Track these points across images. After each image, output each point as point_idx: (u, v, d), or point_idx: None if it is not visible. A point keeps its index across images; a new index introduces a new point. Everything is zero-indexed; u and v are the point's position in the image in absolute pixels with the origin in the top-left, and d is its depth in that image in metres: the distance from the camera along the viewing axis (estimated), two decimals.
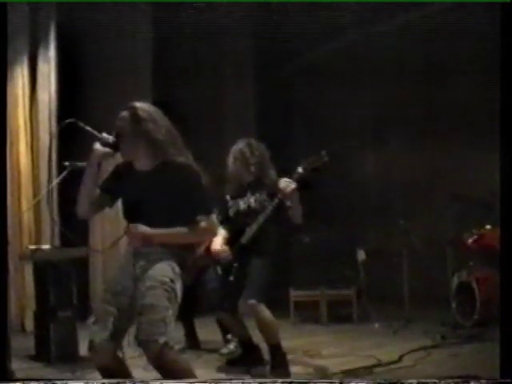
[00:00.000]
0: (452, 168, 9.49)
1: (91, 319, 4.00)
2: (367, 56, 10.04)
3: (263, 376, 5.60)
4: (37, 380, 4.72)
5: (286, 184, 5.52)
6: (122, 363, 4.06)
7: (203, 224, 3.96)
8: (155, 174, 4.02)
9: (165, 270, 3.91)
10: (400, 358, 6.13)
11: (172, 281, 3.90)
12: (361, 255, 8.86)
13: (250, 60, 10.52)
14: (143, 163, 4.08)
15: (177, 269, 3.96)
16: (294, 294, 8.67)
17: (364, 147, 10.50)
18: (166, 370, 3.85)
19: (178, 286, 3.94)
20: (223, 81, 10.53)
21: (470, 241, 7.80)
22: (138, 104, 4.10)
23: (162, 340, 3.75)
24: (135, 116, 4.02)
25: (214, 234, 4.20)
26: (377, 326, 8.16)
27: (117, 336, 3.93)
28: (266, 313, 5.66)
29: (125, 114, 4.07)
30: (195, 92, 9.95)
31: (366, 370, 5.72)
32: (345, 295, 8.68)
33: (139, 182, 4.02)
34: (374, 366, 5.89)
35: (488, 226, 7.78)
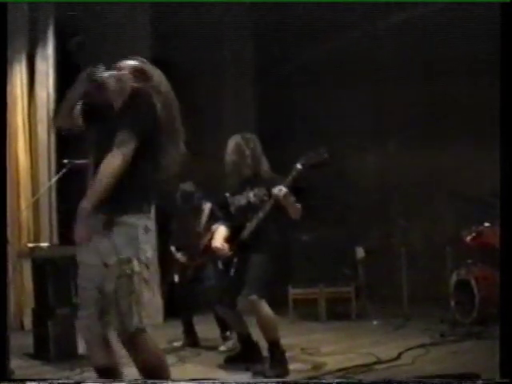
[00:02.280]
0: (451, 166, 9.49)
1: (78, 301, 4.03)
2: (367, 55, 10.05)
3: (262, 373, 5.61)
4: (38, 380, 4.72)
5: (278, 190, 5.54)
6: (111, 348, 3.97)
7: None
8: (124, 108, 3.95)
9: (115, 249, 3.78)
10: (399, 356, 6.13)
11: (129, 260, 3.77)
12: (360, 253, 8.87)
13: (251, 58, 10.51)
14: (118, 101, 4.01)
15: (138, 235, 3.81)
16: (293, 292, 8.68)
17: (364, 146, 10.49)
18: (139, 354, 3.83)
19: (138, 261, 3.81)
20: (224, 79, 10.53)
21: (469, 238, 7.81)
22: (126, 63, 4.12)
23: (131, 328, 3.75)
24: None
25: None
26: (376, 323, 8.17)
27: (103, 317, 3.84)
28: (266, 309, 5.68)
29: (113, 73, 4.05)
30: (195, 89, 9.95)
31: (365, 368, 5.72)
32: (344, 293, 8.69)
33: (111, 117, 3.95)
34: (373, 363, 5.88)
35: (487, 224, 7.78)
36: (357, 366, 5.74)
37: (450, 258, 8.16)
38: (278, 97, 10.85)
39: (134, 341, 3.81)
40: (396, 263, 8.55)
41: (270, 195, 5.71)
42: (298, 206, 5.72)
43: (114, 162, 3.69)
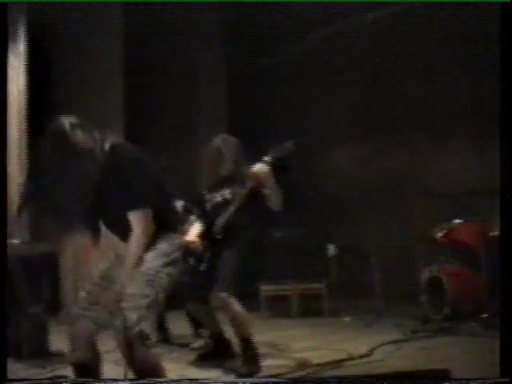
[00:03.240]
0: (423, 164, 9.57)
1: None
2: (338, 54, 10.10)
3: (235, 370, 5.62)
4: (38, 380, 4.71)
5: (260, 168, 5.57)
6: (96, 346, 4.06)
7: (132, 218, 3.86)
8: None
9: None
10: (371, 352, 6.16)
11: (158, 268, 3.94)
12: (332, 250, 8.90)
13: (223, 56, 10.51)
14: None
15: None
16: (265, 288, 8.69)
17: (337, 144, 10.52)
18: (134, 362, 3.83)
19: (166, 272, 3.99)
20: (196, 77, 10.51)
21: (441, 235, 7.87)
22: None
23: (135, 329, 3.77)
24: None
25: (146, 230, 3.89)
26: (347, 320, 8.20)
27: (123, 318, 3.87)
28: (236, 306, 5.69)
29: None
30: (167, 88, 9.95)
31: (337, 364, 5.74)
32: (315, 289, 8.71)
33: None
34: (345, 359, 5.90)
35: (458, 221, 7.85)
36: (328, 362, 5.76)
37: (421, 254, 8.20)
38: (252, 95, 10.85)
39: (131, 347, 3.80)
40: (368, 260, 8.58)
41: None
42: (279, 193, 5.79)
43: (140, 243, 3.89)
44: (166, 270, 3.97)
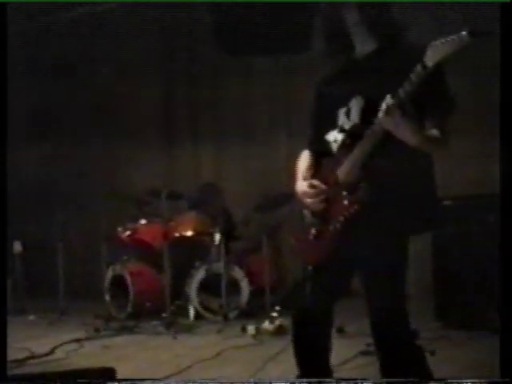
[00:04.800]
0: (111, 164, 9.75)
1: None
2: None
3: None
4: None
5: None
6: None
7: None
8: None
9: None
10: (52, 351, 6.20)
11: None
12: (17, 247, 8.81)
13: None
14: None
15: None
16: None
17: (30, 140, 10.40)
18: None
19: None
20: None
21: (125, 235, 8.07)
22: None
23: None
24: None
25: None
26: (32, 318, 8.17)
27: None
28: None
29: None
30: None
31: (19, 363, 5.73)
32: None
33: None
34: (27, 358, 5.89)
35: (142, 222, 8.09)
36: (10, 362, 5.73)
37: (106, 253, 8.31)
38: None
39: None
40: (53, 258, 8.58)
41: None
42: None
43: None
44: None
